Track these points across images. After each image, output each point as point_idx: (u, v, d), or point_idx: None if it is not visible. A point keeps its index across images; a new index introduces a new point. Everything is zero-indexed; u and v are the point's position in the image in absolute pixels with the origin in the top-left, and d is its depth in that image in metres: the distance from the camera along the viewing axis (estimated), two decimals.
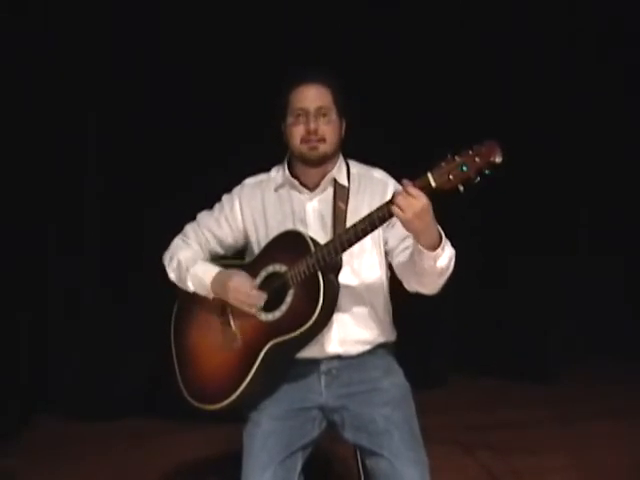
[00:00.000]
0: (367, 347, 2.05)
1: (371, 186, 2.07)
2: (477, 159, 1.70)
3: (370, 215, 1.82)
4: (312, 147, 1.99)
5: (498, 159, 1.69)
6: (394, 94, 3.62)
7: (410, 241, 1.91)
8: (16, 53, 3.32)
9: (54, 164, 3.51)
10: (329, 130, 2.01)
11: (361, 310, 2.04)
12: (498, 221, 3.93)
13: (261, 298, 1.95)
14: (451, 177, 1.72)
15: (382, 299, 2.08)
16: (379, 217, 1.81)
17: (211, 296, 2.03)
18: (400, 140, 3.57)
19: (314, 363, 2.02)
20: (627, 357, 4.11)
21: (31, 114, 3.40)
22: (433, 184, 1.73)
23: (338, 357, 2.02)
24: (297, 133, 2.01)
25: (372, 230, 1.84)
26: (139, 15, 3.41)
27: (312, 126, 1.98)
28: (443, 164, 1.73)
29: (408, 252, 1.93)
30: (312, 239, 1.94)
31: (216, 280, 2.01)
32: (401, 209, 1.73)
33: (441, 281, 1.89)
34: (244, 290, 1.96)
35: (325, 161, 2.03)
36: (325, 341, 1.99)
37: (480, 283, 4.02)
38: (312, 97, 2.01)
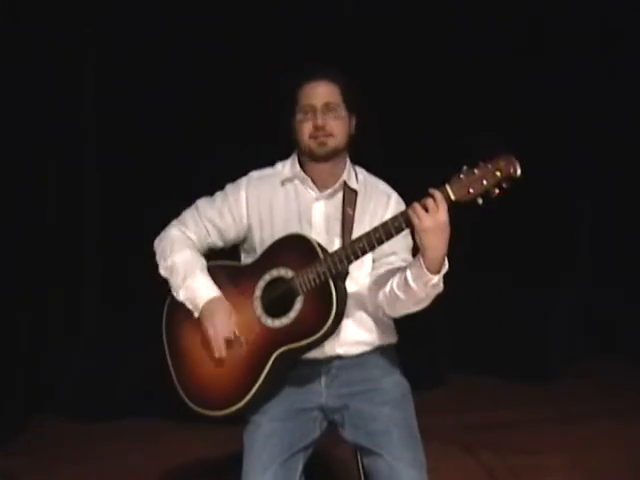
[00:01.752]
0: (367, 348, 2.05)
1: (376, 195, 2.07)
2: (497, 173, 1.70)
3: (385, 224, 1.81)
4: (321, 142, 1.99)
5: (518, 173, 1.70)
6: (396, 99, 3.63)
7: (394, 259, 1.93)
8: None
9: (54, 164, 3.51)
10: (337, 125, 2.01)
11: (359, 314, 2.03)
12: (498, 219, 3.92)
13: (222, 352, 1.93)
14: (471, 190, 1.72)
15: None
16: (395, 227, 1.80)
17: (196, 315, 1.99)
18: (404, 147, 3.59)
19: (314, 364, 2.01)
20: (627, 357, 4.11)
21: (30, 115, 3.40)
22: (452, 197, 1.73)
23: (338, 357, 2.02)
24: (305, 129, 2.00)
25: (387, 239, 1.82)
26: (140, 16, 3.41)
27: (319, 122, 1.98)
28: (462, 177, 1.73)
29: (388, 268, 1.94)
30: (320, 245, 1.92)
31: (205, 309, 1.97)
32: (419, 218, 1.72)
33: (411, 310, 1.91)
34: (217, 338, 1.93)
35: (334, 157, 2.02)
36: (325, 342, 1.97)
37: (480, 283, 4.02)
38: (320, 93, 2.01)
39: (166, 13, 3.42)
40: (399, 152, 3.52)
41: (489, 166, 1.71)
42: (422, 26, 3.67)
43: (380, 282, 1.96)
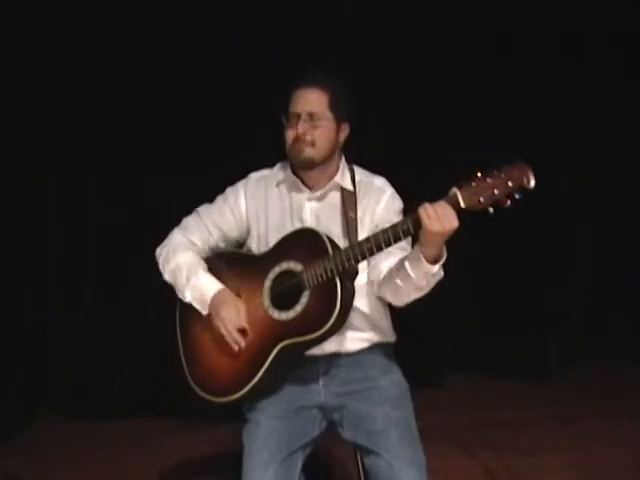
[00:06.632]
0: (364, 345, 2.05)
1: (370, 192, 2.06)
2: (510, 183, 1.67)
3: (394, 226, 1.81)
4: (299, 150, 1.98)
5: (532, 183, 1.66)
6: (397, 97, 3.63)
7: (392, 248, 1.89)
8: None
9: (54, 160, 3.51)
10: (319, 135, 1.99)
11: (355, 313, 2.01)
12: (499, 220, 3.91)
13: (241, 343, 1.94)
14: (482, 199, 1.69)
15: (375, 302, 2.05)
16: (403, 230, 1.79)
17: (205, 313, 2.00)
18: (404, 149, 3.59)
19: (313, 362, 2.01)
20: (627, 357, 4.11)
21: (29, 114, 3.40)
22: (462, 204, 1.71)
23: (337, 354, 2.02)
24: (289, 137, 2.01)
25: (395, 242, 1.82)
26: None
27: (300, 131, 1.97)
28: (473, 184, 1.70)
29: (387, 257, 1.92)
30: (331, 241, 1.92)
31: (214, 301, 1.98)
32: (429, 218, 1.70)
33: (413, 296, 1.89)
34: (230, 331, 1.95)
35: (313, 165, 2.01)
36: None
37: (480, 282, 4.02)
38: (304, 101, 2.00)
39: (166, 13, 3.42)
40: (400, 151, 3.51)
41: (502, 175, 1.68)
42: (422, 26, 3.67)
43: (381, 272, 1.96)
